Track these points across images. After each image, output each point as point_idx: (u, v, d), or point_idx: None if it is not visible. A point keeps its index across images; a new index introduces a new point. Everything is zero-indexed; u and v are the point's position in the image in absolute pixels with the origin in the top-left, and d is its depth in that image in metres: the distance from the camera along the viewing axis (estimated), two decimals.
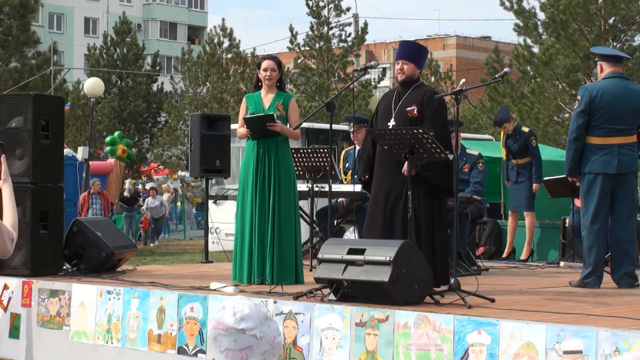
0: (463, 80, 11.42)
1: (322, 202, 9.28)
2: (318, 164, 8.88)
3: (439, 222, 6.88)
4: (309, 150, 8.95)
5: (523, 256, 10.99)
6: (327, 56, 31.50)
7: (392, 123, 7.02)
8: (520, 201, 11.01)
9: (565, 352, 4.76)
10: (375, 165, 7.16)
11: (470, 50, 66.04)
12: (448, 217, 7.01)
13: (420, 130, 6.44)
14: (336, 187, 9.37)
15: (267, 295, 6.31)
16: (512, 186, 11.08)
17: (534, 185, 10.80)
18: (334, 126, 8.93)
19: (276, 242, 7.23)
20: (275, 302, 6.02)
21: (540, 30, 22.46)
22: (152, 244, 23.41)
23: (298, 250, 7.38)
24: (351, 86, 13.92)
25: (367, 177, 7.29)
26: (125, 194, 24.00)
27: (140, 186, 30.28)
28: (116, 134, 23.84)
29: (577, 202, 9.25)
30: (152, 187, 25.67)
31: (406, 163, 6.56)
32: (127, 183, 25.77)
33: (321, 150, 8.86)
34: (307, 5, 31.35)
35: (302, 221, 8.12)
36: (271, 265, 7.20)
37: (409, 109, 7.02)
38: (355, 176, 9.83)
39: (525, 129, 11.18)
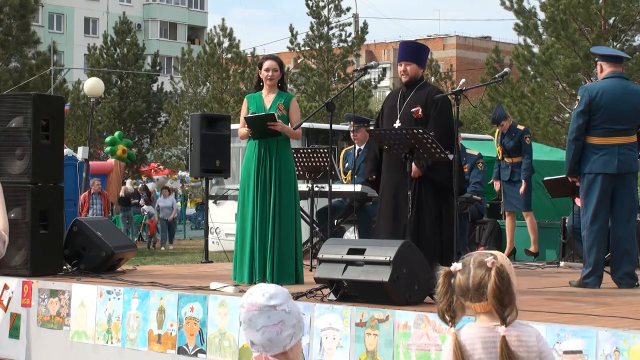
0: (463, 80, 11.44)
1: (322, 202, 9.29)
2: (318, 164, 8.88)
3: (447, 222, 6.87)
4: (309, 150, 8.96)
5: (533, 250, 10.89)
6: (327, 56, 31.49)
7: (397, 124, 7.03)
8: (516, 202, 10.91)
9: (565, 352, 4.76)
10: (383, 166, 7.18)
11: (470, 50, 66.04)
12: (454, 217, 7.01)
13: (420, 130, 6.45)
14: (336, 187, 9.37)
15: None
16: (506, 186, 10.99)
17: (523, 183, 10.67)
18: (334, 126, 8.95)
19: (276, 242, 7.23)
20: None
21: (541, 30, 22.45)
22: (162, 247, 22.81)
23: (298, 250, 7.37)
24: (351, 86, 13.93)
25: (374, 177, 7.30)
26: (120, 194, 23.96)
27: (140, 186, 30.21)
28: (116, 134, 23.85)
29: (578, 202, 9.24)
30: (165, 186, 25.19)
31: (408, 164, 6.58)
32: (128, 183, 25.77)
33: (321, 150, 8.87)
34: (307, 5, 31.35)
35: (302, 221, 8.11)
36: (271, 265, 7.19)
37: (413, 110, 7.03)
38: (355, 176, 9.84)
39: (521, 127, 11.14)
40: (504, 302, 2.91)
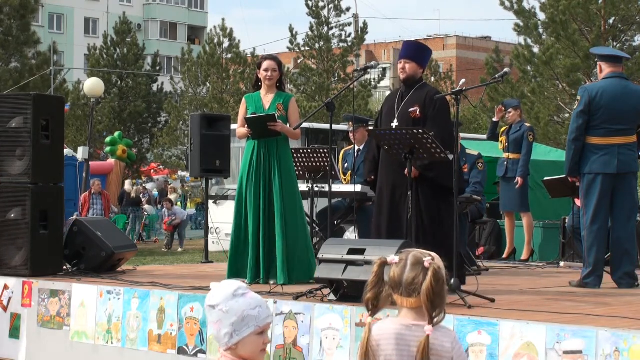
0: (463, 80, 11.46)
1: (322, 202, 9.28)
2: (318, 164, 8.88)
3: (447, 222, 6.87)
4: (309, 150, 8.95)
5: (523, 257, 10.98)
6: (327, 56, 31.47)
7: (395, 124, 7.03)
8: (512, 202, 10.88)
9: (565, 352, 4.76)
10: (380, 166, 7.17)
11: (470, 50, 66.03)
12: (453, 217, 7.00)
13: (420, 131, 6.45)
14: (336, 187, 9.37)
15: (267, 295, 6.30)
16: (501, 184, 10.98)
17: (518, 180, 10.64)
18: (334, 126, 8.93)
19: (289, 243, 7.21)
20: (275, 302, 6.02)
21: (541, 31, 22.44)
22: (171, 249, 22.27)
23: (309, 248, 7.37)
24: (351, 86, 13.92)
25: (372, 178, 7.31)
26: (133, 195, 23.98)
27: (139, 186, 30.24)
28: (116, 134, 23.85)
29: (578, 202, 9.25)
30: (167, 198, 24.70)
31: (408, 164, 6.58)
32: (127, 184, 25.75)
33: (321, 150, 8.86)
34: (307, 5, 31.33)
35: None
36: (284, 266, 7.16)
37: (411, 109, 7.03)
38: (355, 176, 9.84)
39: (527, 124, 11.18)
40: (435, 303, 2.98)
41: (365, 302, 3.06)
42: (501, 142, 11.01)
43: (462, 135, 10.40)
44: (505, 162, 10.85)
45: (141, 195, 26.15)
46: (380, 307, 3.04)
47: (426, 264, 2.99)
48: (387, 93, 8.72)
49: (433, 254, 3.07)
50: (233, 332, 3.04)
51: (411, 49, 7.29)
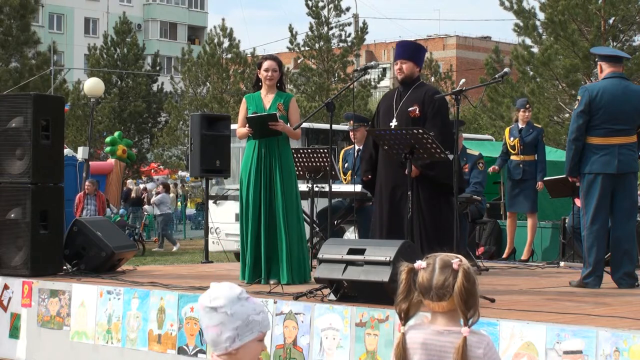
0: (463, 80, 11.48)
1: (322, 203, 9.28)
2: (318, 164, 8.88)
3: (447, 222, 6.86)
4: (309, 151, 8.95)
5: (524, 257, 10.98)
6: (327, 56, 31.45)
7: (394, 123, 7.03)
8: (524, 203, 10.87)
9: (565, 352, 4.76)
10: (379, 166, 7.17)
11: (470, 50, 66.04)
12: (454, 216, 7.00)
13: (420, 131, 6.46)
14: (336, 187, 9.37)
15: (267, 295, 6.31)
16: (517, 186, 10.94)
17: (539, 184, 10.70)
18: (334, 126, 8.94)
19: (292, 243, 7.22)
20: (275, 302, 6.03)
21: (540, 31, 22.42)
22: (161, 248, 22.13)
23: (306, 249, 7.38)
24: (351, 86, 13.91)
25: (369, 176, 7.30)
26: (132, 194, 23.94)
27: (140, 186, 30.22)
28: (116, 134, 23.83)
29: (578, 202, 9.25)
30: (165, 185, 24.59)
31: (408, 164, 6.58)
32: (129, 183, 25.72)
33: (321, 150, 8.86)
34: (307, 5, 31.31)
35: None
36: (289, 266, 7.16)
37: (410, 109, 7.04)
38: (355, 176, 9.84)
39: (537, 125, 11.25)
40: (469, 303, 2.96)
41: (398, 313, 3.04)
42: (512, 145, 10.98)
43: (464, 135, 10.41)
44: (521, 165, 10.80)
45: (141, 193, 26.15)
46: (411, 314, 3.02)
47: (455, 266, 2.98)
48: None
49: (459, 256, 3.05)
50: (236, 337, 2.98)
51: (406, 48, 7.31)
